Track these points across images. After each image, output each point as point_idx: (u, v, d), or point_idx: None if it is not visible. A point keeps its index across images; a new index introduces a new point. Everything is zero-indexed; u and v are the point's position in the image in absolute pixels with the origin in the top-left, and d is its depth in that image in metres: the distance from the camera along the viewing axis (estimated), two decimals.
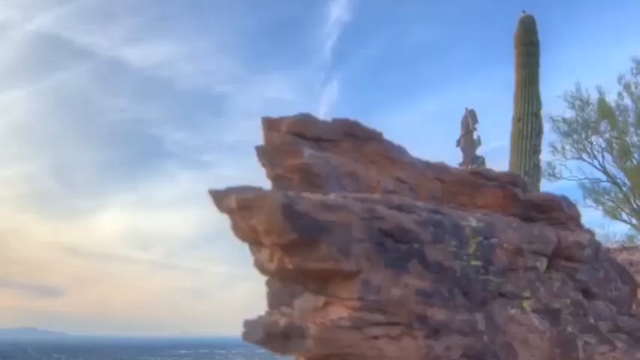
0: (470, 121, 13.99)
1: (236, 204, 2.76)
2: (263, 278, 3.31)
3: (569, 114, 19.65)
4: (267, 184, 3.63)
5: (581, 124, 19.65)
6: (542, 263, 3.92)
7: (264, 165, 3.54)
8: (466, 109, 14.28)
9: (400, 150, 3.85)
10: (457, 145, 13.90)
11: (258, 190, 2.77)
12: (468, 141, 13.85)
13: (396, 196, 3.33)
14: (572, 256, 4.18)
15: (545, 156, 16.88)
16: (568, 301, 4.00)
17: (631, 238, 18.42)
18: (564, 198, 4.59)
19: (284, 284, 3.01)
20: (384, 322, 2.90)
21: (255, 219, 2.72)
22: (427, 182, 3.87)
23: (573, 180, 19.96)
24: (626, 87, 19.62)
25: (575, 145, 19.61)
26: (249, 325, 2.90)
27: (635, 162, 18.90)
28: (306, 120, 3.55)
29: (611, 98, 19.55)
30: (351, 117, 3.94)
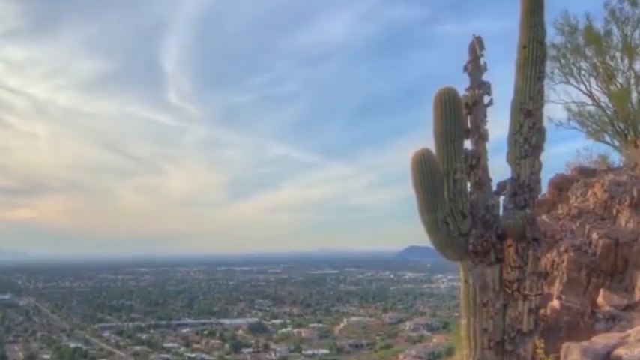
0: (477, 47, 14.66)
1: None
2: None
3: (558, 40, 20.51)
4: None
5: (570, 49, 20.56)
6: None
7: None
8: (474, 35, 14.92)
9: None
10: (464, 71, 14.62)
11: None
12: (474, 67, 14.57)
13: None
14: None
15: None
16: None
17: (604, 157, 19.70)
18: None
19: None
20: None
21: None
22: None
23: (560, 103, 21.09)
24: (611, 13, 20.49)
25: (563, 70, 20.60)
26: None
27: (618, 85, 20.05)
28: None
29: (598, 24, 20.42)
30: None
